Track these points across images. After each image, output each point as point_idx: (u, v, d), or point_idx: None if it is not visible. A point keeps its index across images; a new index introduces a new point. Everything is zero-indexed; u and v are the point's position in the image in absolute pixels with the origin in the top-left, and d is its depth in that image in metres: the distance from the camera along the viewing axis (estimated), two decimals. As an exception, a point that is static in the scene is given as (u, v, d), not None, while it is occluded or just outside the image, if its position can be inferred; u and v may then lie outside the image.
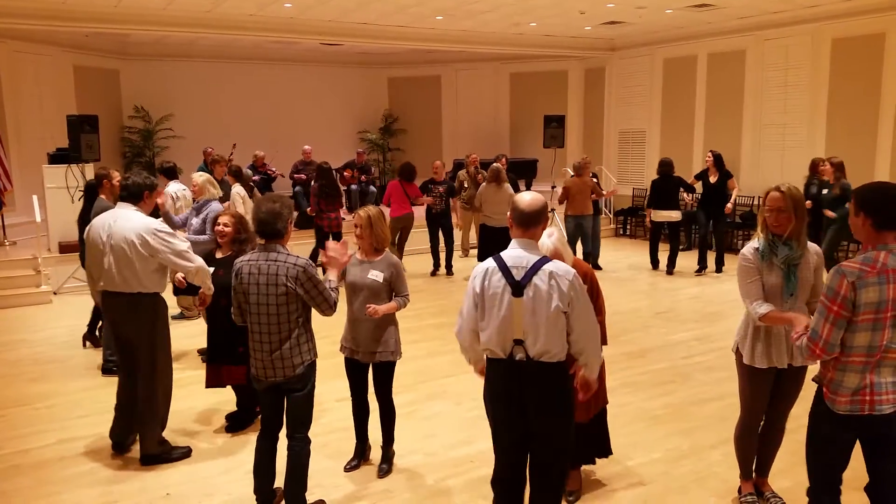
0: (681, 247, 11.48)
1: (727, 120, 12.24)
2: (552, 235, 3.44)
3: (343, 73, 16.23)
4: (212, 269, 4.60)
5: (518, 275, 2.94)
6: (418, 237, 10.38)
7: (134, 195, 4.38)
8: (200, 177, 6.80)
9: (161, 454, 4.44)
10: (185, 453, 4.53)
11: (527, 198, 3.05)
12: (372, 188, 13.72)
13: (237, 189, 8.55)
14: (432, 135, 16.52)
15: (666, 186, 9.85)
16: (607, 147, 14.57)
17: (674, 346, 6.81)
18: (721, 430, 4.79)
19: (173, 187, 7.99)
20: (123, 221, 4.29)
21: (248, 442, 4.73)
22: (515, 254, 3.00)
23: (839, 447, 2.93)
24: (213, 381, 4.84)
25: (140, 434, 4.46)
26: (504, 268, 2.97)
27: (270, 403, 3.70)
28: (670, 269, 10.04)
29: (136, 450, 4.62)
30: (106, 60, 13.50)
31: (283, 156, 13.34)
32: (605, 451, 4.07)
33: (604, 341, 3.51)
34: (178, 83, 14.42)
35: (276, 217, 3.53)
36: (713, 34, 12.25)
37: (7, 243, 10.24)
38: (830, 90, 10.77)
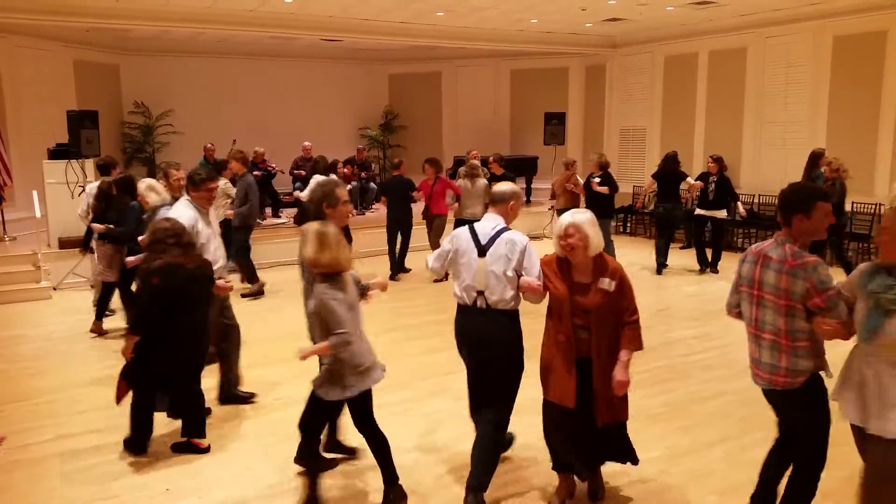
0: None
1: (728, 118, 12.23)
2: (574, 214, 3.57)
3: (343, 70, 16.20)
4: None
5: (483, 240, 3.70)
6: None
7: (184, 188, 5.27)
8: (142, 184, 6.41)
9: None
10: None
11: (502, 186, 3.92)
12: (372, 185, 13.70)
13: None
14: (433, 131, 16.50)
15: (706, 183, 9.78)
16: (608, 144, 14.55)
17: (673, 344, 6.81)
18: (720, 428, 4.79)
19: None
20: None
21: (247, 438, 4.74)
22: (484, 224, 3.79)
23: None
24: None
25: None
26: (474, 235, 3.75)
27: None
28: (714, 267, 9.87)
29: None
30: (106, 55, 13.47)
31: (282, 152, 13.33)
32: (629, 457, 3.80)
33: (639, 345, 3.64)
34: (178, 79, 14.40)
35: None
36: (714, 31, 12.23)
37: (7, 239, 10.24)
38: (832, 88, 10.75)
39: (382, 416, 5.03)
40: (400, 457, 4.38)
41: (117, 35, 13.22)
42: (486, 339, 3.69)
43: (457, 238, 3.80)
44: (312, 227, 3.61)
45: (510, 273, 3.61)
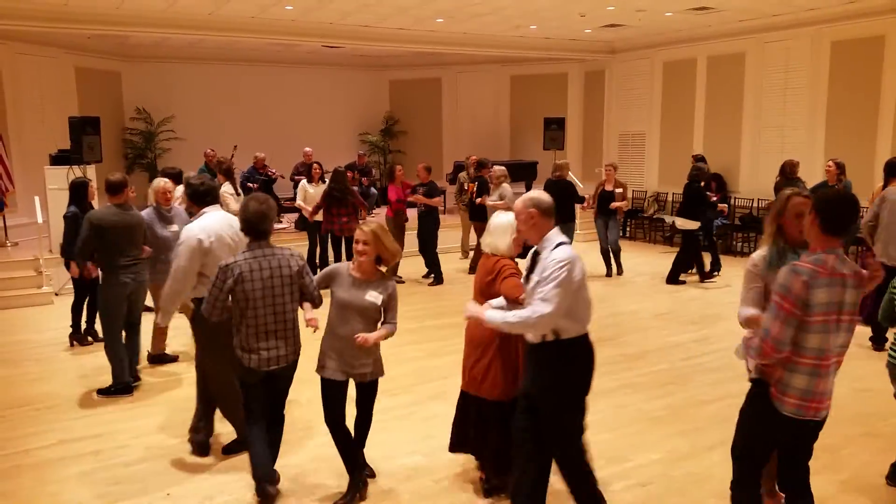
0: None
1: (726, 123, 12.27)
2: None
3: (344, 76, 16.26)
4: None
5: None
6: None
7: (217, 198, 4.66)
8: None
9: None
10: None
11: (546, 194, 3.36)
12: (373, 190, 13.74)
13: (226, 188, 8.76)
14: (433, 137, 16.55)
15: (688, 194, 9.50)
16: (607, 149, 14.59)
17: (673, 347, 6.83)
18: (720, 432, 4.79)
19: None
20: (234, 219, 4.48)
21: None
22: (565, 238, 3.31)
23: (770, 447, 3.06)
24: None
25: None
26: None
27: (265, 393, 3.94)
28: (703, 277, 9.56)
29: (130, 449, 4.65)
30: (107, 62, 13.53)
31: (283, 157, 13.37)
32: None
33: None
34: (179, 85, 14.45)
35: (263, 218, 3.78)
36: (713, 37, 12.28)
37: (9, 244, 10.26)
38: (830, 93, 10.78)
39: (385, 419, 5.07)
40: (401, 460, 4.42)
41: (119, 42, 13.28)
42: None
43: (579, 262, 3.24)
44: (376, 223, 3.88)
45: None
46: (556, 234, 3.25)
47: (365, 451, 4.44)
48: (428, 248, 9.78)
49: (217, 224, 4.40)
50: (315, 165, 10.13)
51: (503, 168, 9.82)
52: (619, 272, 9.94)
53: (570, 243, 3.34)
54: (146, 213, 6.13)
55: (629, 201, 10.03)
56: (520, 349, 3.70)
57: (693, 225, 9.33)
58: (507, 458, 3.62)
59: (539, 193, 3.37)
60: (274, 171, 12.48)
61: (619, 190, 9.89)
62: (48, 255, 9.43)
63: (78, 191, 6.90)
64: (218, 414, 4.68)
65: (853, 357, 4.16)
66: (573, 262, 3.12)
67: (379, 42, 12.42)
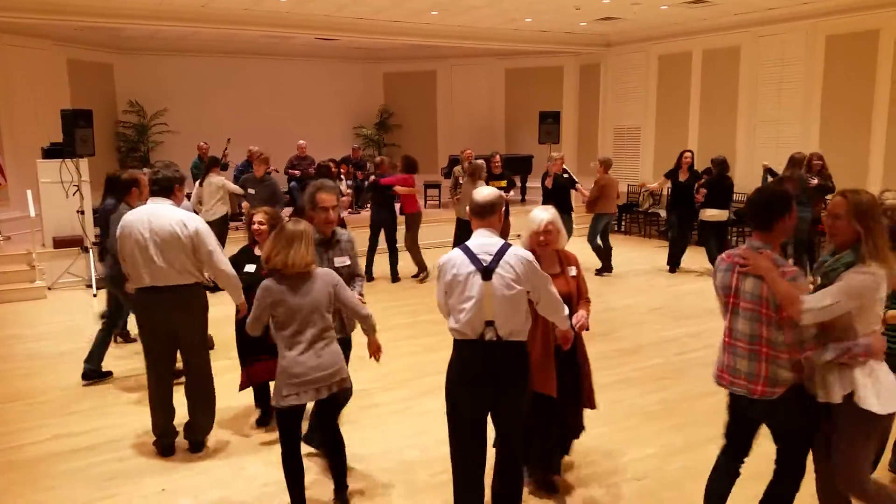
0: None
1: (722, 116, 12.27)
2: (549, 210, 3.76)
3: (338, 68, 16.19)
4: (254, 267, 4.65)
5: (486, 261, 3.11)
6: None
7: (166, 189, 4.40)
8: None
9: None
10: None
11: (483, 192, 3.28)
12: (367, 184, 13.70)
13: (216, 179, 9.06)
14: (428, 130, 16.51)
15: (722, 186, 9.53)
16: (602, 143, 14.59)
17: (668, 342, 6.84)
18: (715, 426, 4.78)
19: None
20: (165, 213, 4.31)
21: (241, 439, 4.74)
22: (480, 241, 3.19)
23: (730, 424, 3.30)
24: (247, 383, 4.80)
25: (196, 423, 4.56)
26: (471, 255, 3.14)
27: None
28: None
29: (124, 445, 4.64)
30: (100, 54, 13.43)
31: (277, 151, 13.31)
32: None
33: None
34: (172, 78, 14.36)
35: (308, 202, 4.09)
36: (708, 31, 12.27)
37: (1, 238, 10.21)
38: (825, 87, 10.80)
39: (379, 414, 5.07)
40: (396, 455, 4.42)
41: (111, 34, 13.17)
42: (499, 381, 3.15)
43: (450, 264, 3.17)
44: (303, 225, 3.56)
45: (522, 295, 3.14)
46: (474, 235, 3.25)
47: (360, 446, 4.46)
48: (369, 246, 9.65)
49: (135, 216, 4.35)
50: (331, 163, 10.10)
51: (477, 162, 9.42)
52: (608, 270, 9.83)
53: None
54: None
55: (592, 193, 9.72)
56: (550, 342, 3.66)
57: (724, 215, 9.54)
58: (547, 451, 3.84)
59: (481, 191, 3.29)
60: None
61: (592, 185, 9.84)
62: (41, 250, 9.39)
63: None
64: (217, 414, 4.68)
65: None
66: (443, 265, 3.22)
67: (374, 35, 12.37)
